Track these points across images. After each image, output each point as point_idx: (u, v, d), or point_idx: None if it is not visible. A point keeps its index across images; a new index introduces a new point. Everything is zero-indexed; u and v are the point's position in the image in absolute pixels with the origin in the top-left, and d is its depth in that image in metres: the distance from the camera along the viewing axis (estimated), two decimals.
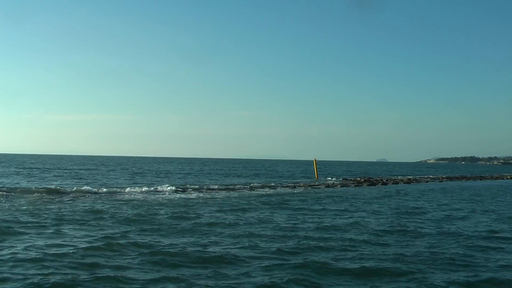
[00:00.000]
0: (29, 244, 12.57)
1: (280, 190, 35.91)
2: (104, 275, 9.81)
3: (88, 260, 10.98)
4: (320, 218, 19.08)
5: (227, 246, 12.95)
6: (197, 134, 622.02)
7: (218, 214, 19.67)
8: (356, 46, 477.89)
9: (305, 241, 13.84)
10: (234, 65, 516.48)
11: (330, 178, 54.98)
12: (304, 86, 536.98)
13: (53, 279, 9.42)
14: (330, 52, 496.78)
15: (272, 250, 12.48)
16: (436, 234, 15.65)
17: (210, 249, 12.49)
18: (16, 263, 10.57)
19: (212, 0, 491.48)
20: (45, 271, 9.95)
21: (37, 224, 15.91)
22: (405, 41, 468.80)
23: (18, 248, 12.00)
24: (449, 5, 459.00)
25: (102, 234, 14.33)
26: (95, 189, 30.27)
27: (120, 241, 13.13)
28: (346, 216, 20.00)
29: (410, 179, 56.71)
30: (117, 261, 11.04)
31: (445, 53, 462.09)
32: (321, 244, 13.50)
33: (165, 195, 28.54)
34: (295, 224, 17.40)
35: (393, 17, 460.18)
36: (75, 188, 30.73)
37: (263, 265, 10.96)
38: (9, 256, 11.13)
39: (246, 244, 13.21)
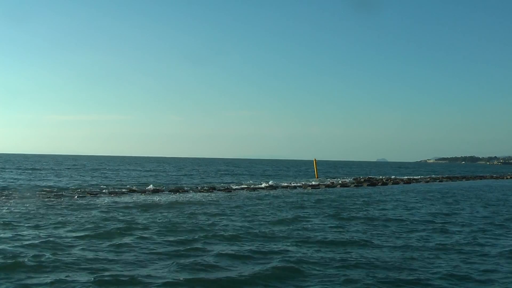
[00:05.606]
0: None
1: (280, 190, 35.84)
2: None
3: None
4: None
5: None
6: (197, 134, 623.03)
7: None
8: (356, 46, 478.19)
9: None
10: (234, 65, 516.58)
11: (330, 178, 54.94)
12: (304, 86, 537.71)
13: None
14: (330, 52, 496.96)
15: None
16: None
17: None
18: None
19: (212, 0, 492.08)
20: None
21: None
22: (405, 41, 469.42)
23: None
24: (449, 5, 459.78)
25: None
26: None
27: None
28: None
29: (410, 179, 56.68)
30: None
31: (445, 53, 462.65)
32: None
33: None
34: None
35: (393, 17, 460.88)
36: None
37: None
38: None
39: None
